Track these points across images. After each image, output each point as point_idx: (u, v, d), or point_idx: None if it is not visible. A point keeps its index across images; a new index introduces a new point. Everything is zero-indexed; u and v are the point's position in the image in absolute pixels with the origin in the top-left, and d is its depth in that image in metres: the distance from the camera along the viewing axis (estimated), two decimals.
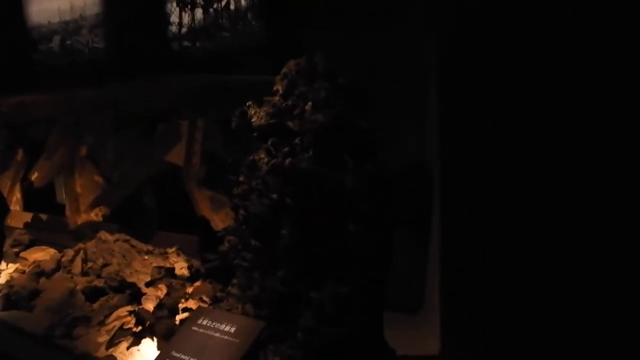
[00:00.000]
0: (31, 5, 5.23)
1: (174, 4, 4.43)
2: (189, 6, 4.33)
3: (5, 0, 5.24)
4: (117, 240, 3.25)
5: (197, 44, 4.33)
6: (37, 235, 4.19)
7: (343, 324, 1.90)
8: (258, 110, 2.26)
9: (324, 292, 1.97)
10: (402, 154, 2.60)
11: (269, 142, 2.19)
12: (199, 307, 2.37)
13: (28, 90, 5.04)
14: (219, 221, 3.48)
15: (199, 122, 3.31)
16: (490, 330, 2.35)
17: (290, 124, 2.18)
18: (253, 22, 3.87)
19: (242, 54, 4.04)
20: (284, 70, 2.28)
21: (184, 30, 4.42)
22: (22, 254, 3.82)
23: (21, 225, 4.69)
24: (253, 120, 2.24)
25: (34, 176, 4.48)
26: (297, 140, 2.14)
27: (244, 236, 2.21)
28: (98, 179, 4.16)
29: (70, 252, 3.27)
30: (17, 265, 3.54)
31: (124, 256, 3.16)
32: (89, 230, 4.15)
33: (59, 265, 3.23)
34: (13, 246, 4.01)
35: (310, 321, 1.90)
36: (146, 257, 2.99)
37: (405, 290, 2.72)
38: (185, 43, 4.45)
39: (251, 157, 2.20)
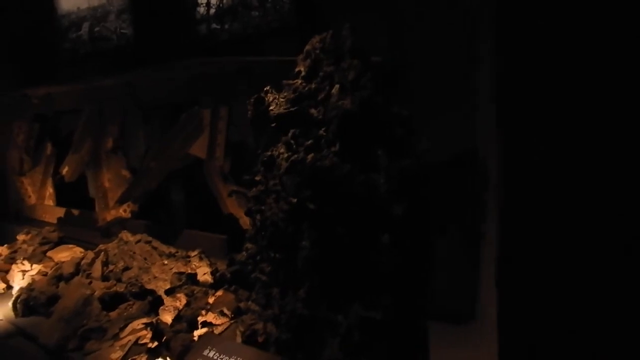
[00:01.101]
0: None
1: None
2: None
3: None
4: (139, 241, 3.01)
5: (226, 26, 4.02)
6: (67, 232, 4.04)
7: (374, 355, 1.55)
8: (277, 96, 1.91)
9: (352, 316, 1.63)
10: (442, 145, 2.20)
11: (289, 134, 1.84)
12: (206, 333, 2.06)
13: (57, 80, 4.89)
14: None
15: (221, 111, 2.99)
16: (554, 344, 1.98)
17: (313, 111, 1.82)
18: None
19: (272, 35, 3.70)
20: (307, 47, 1.93)
21: (212, 11, 4.12)
22: (48, 254, 3.66)
23: (54, 220, 4.58)
24: (271, 108, 1.90)
25: (64, 170, 4.32)
26: (321, 131, 1.78)
27: (262, 245, 1.89)
28: (125, 173, 3.95)
29: (90, 255, 3.05)
30: (41, 266, 3.36)
31: (145, 259, 2.91)
32: (118, 227, 3.96)
33: (78, 269, 3.03)
34: (41, 244, 3.86)
35: (336, 352, 1.56)
36: (166, 262, 2.73)
37: (454, 298, 2.35)
38: (214, 25, 4.15)
39: (269, 152, 1.87)
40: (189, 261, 2.76)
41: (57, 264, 3.32)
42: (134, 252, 2.96)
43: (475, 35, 2.29)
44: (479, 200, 2.12)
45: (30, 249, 3.80)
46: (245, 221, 3.20)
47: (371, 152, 1.65)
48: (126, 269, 2.93)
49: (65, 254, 3.57)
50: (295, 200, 1.67)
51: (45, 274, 3.25)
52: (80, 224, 4.29)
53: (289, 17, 3.51)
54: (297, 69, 1.95)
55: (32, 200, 4.83)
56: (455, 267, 2.22)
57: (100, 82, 4.05)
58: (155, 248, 2.94)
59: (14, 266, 3.46)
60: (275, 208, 1.75)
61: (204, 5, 4.17)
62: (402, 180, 1.58)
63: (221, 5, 4.06)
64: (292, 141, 1.82)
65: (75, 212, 4.44)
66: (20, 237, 3.95)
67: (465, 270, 2.29)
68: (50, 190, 4.74)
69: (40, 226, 4.35)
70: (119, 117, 3.82)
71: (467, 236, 2.19)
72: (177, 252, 2.91)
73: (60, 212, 4.56)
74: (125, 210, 3.95)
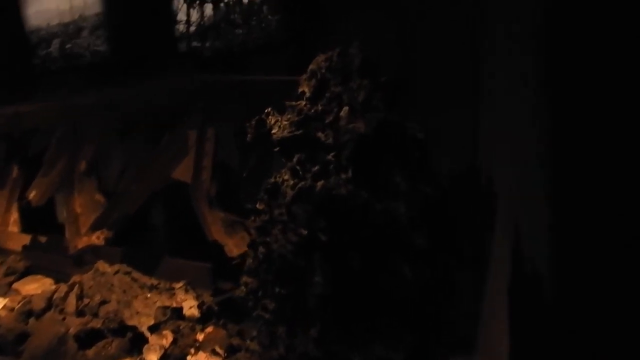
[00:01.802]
0: (29, 6, 4.82)
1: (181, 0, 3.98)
2: (198, 1, 3.87)
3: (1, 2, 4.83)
4: (117, 272, 2.80)
5: (207, 43, 3.87)
6: (34, 261, 3.78)
7: None
8: (279, 119, 1.77)
9: (370, 357, 1.48)
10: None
11: (294, 160, 1.70)
12: None
13: (25, 98, 4.63)
14: (234, 246, 3.01)
15: (209, 131, 2.83)
16: None
17: (321, 135, 1.69)
18: (269, 17, 3.40)
19: (257, 52, 3.57)
20: (311, 67, 1.79)
21: (192, 28, 3.97)
22: (14, 286, 3.40)
23: (19, 248, 4.29)
24: (273, 131, 1.75)
25: (32, 194, 4.05)
26: (330, 157, 1.65)
27: (265, 279, 1.72)
28: (99, 197, 3.72)
29: (63, 288, 2.82)
30: (7, 300, 3.10)
31: (124, 292, 2.70)
32: (91, 255, 3.72)
33: (50, 304, 2.79)
34: (6, 275, 3.59)
35: None
36: (149, 295, 2.53)
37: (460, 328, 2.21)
38: (194, 43, 4.00)
39: (272, 179, 1.72)
40: (174, 294, 2.57)
41: (25, 297, 3.07)
42: (112, 284, 2.75)
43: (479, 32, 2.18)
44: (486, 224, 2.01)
45: None
46: (230, 249, 3.04)
47: (388, 179, 1.52)
48: (103, 302, 2.72)
49: (34, 286, 3.32)
50: (305, 231, 1.52)
51: (12, 309, 2.99)
52: (49, 251, 4.01)
53: (275, 34, 3.39)
54: (300, 90, 1.82)
55: None
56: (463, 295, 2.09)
57: (75, 100, 3.84)
58: (135, 280, 2.74)
59: None
60: (282, 240, 1.59)
61: (184, 22, 4.02)
62: (424, 208, 1.45)
63: (202, 22, 3.92)
64: (297, 167, 1.68)
65: (43, 239, 4.16)
66: None
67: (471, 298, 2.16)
68: (15, 215, 4.44)
69: (3, 255, 4.07)
70: (95, 137, 3.61)
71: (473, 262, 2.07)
72: (159, 283, 2.71)
73: (26, 239, 4.26)
74: (98, 237, 3.71)
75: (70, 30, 4.56)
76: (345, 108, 1.68)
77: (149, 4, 4.13)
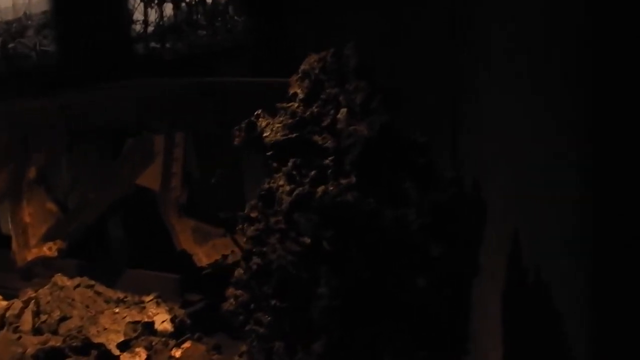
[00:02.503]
0: None
1: None
2: (156, 1, 3.72)
3: None
4: (77, 286, 2.61)
5: (167, 45, 3.72)
6: None
7: None
8: (271, 122, 1.68)
9: None
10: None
11: (290, 165, 1.62)
12: None
13: None
14: (204, 255, 2.89)
15: (177, 137, 2.70)
16: None
17: (317, 138, 1.62)
18: (235, 17, 3.29)
19: (223, 54, 3.46)
20: (303, 67, 1.72)
21: (150, 29, 3.81)
22: None
23: None
24: (265, 135, 1.67)
25: None
26: (328, 161, 1.58)
27: (258, 292, 1.63)
28: (51, 206, 3.48)
29: (17, 304, 2.60)
30: None
31: (87, 307, 2.52)
32: (42, 269, 3.48)
33: (3, 321, 2.57)
34: None
35: None
36: (117, 310, 2.37)
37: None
38: (153, 44, 3.83)
39: (266, 185, 1.63)
40: (144, 307, 2.42)
41: None
42: (73, 299, 2.56)
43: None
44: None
45: None
46: (199, 258, 2.91)
47: (396, 184, 1.47)
48: (64, 319, 2.52)
49: None
50: (309, 240, 1.44)
51: None
52: None
53: (242, 36, 3.29)
54: (291, 91, 1.75)
55: None
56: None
57: (23, 104, 3.59)
58: (99, 293, 2.56)
59: None
60: (280, 250, 1.51)
61: (141, 22, 3.85)
62: (436, 216, 1.40)
63: (161, 23, 3.77)
64: (293, 172, 1.60)
65: None
66: None
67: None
68: None
69: None
70: (47, 144, 3.38)
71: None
72: (126, 297, 2.55)
73: None
74: (50, 249, 3.47)
75: (14, 29, 4.27)
76: (343, 110, 1.62)
77: (102, 1, 3.94)
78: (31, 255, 3.49)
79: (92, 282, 2.62)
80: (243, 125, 1.70)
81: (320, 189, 1.52)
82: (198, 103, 2.78)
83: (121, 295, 2.55)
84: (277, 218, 1.56)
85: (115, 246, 3.48)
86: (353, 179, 1.49)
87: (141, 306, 2.43)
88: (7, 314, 2.58)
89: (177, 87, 2.81)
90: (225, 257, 2.84)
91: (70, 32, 4.02)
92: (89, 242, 3.55)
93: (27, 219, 3.54)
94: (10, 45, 4.31)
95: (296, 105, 1.71)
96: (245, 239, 1.67)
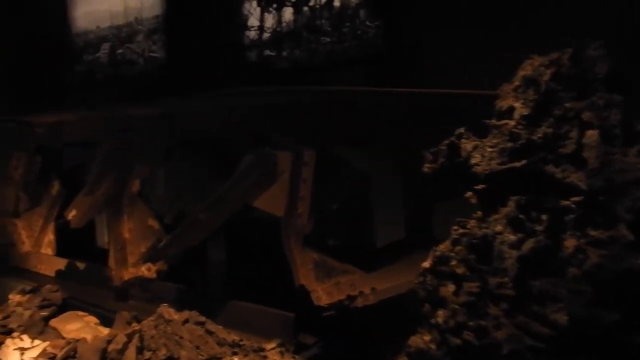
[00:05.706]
0: (77, 7, 4.39)
1: (254, 3, 3.52)
2: (275, 5, 3.41)
3: (45, 1, 4.41)
4: (186, 321, 2.26)
5: (284, 53, 3.39)
6: (70, 291, 3.26)
7: None
8: (481, 144, 1.25)
9: None
10: None
11: (512, 204, 1.17)
12: None
13: (68, 108, 4.18)
14: (324, 294, 2.49)
15: (306, 155, 2.32)
16: None
17: (553, 169, 1.17)
18: (367, 22, 2.91)
19: (348, 63, 3.08)
20: (525, 73, 1.28)
21: (266, 35, 3.50)
22: (52, 323, 2.88)
23: (52, 273, 3.80)
24: (474, 161, 1.23)
25: (71, 214, 3.55)
26: (569, 202, 1.12)
27: None
28: (153, 222, 3.22)
29: (121, 337, 2.29)
30: (46, 344, 2.57)
31: (197, 347, 2.16)
32: (138, 289, 3.22)
33: (104, 357, 2.26)
34: (41, 307, 3.07)
35: None
36: (235, 359, 1.99)
37: None
38: (267, 52, 3.52)
39: (478, 231, 1.19)
40: (265, 357, 2.03)
41: (68, 342, 2.54)
42: (181, 337, 2.21)
43: None
44: None
45: (27, 313, 3.00)
46: (319, 296, 2.51)
47: None
48: (170, 359, 2.17)
49: (76, 326, 2.79)
50: (566, 318, 0.98)
51: (52, 357, 2.46)
52: (88, 281, 3.50)
53: (374, 42, 2.90)
54: (505, 104, 1.30)
55: (26, 247, 4.03)
56: None
57: (127, 110, 3.37)
58: (211, 333, 2.20)
59: (8, 340, 2.67)
60: (511, 328, 1.06)
61: (256, 28, 3.56)
62: None
63: (279, 29, 3.45)
64: (521, 216, 1.15)
65: (81, 265, 3.66)
66: (14, 298, 3.14)
67: None
68: (50, 236, 3.95)
69: (34, 279, 3.57)
70: (152, 155, 3.12)
71: None
72: (241, 340, 2.17)
73: (61, 263, 3.78)
74: (149, 269, 3.20)
75: (124, 34, 4.11)
76: (593, 132, 1.16)
77: (216, 7, 3.68)
78: (128, 274, 3.24)
79: (203, 319, 2.27)
80: (444, 147, 1.28)
81: (570, 243, 1.06)
82: (330, 115, 2.40)
83: (236, 337, 2.17)
84: (500, 279, 1.12)
85: (214, 270, 3.15)
86: (626, 233, 1.02)
87: (261, 355, 2.04)
88: (110, 349, 2.27)
89: (305, 97, 2.44)
90: (351, 298, 2.43)
91: (180, 37, 3.81)
92: (186, 263, 3.27)
93: (127, 235, 3.29)
94: (119, 51, 4.16)
95: (514, 123, 1.27)
96: (421, 299, 1.23)
